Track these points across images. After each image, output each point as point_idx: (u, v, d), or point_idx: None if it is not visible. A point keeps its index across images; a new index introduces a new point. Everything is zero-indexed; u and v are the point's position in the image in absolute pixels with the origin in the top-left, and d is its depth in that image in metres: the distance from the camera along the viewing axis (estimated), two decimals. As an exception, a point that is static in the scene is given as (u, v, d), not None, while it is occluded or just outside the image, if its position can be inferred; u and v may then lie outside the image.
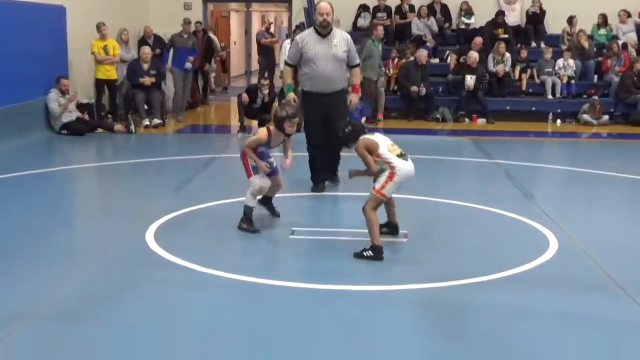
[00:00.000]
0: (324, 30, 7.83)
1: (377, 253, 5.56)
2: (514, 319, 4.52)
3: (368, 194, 5.80)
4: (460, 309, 4.70)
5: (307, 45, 7.86)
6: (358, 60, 8.20)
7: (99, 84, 13.57)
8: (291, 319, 4.48)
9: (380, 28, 14.40)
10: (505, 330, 4.34)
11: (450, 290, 4.98)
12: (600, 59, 15.83)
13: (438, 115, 14.87)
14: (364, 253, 5.58)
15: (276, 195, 6.67)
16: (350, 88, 8.25)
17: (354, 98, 8.14)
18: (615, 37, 16.27)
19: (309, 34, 7.98)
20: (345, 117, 7.71)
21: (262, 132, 6.38)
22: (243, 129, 13.01)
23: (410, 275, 5.31)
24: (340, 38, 7.92)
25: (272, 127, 6.40)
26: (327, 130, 7.78)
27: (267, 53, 17.52)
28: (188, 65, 14.54)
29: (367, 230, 5.63)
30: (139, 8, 16.91)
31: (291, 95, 7.96)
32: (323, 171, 8.17)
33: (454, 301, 4.83)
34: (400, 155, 5.75)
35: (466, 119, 14.78)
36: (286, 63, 8.25)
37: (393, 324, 4.44)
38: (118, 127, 12.63)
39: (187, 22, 15.01)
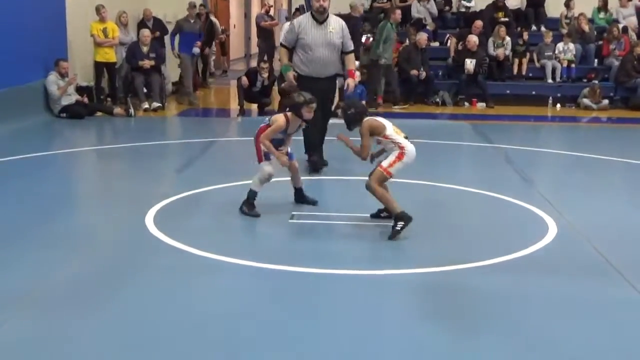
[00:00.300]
0: (320, 17, 7.96)
1: (404, 219, 5.65)
2: (514, 303, 4.54)
3: (366, 178, 5.81)
4: (459, 293, 4.71)
5: (304, 31, 7.98)
6: (352, 47, 8.27)
7: (98, 66, 13.54)
8: (291, 303, 4.50)
9: (398, 12, 14.41)
10: (504, 315, 4.35)
11: (449, 275, 4.99)
12: (600, 43, 15.79)
13: (438, 99, 14.85)
14: (396, 228, 5.65)
15: (273, 179, 6.64)
16: (346, 73, 8.31)
17: (350, 82, 8.19)
18: (616, 21, 16.22)
19: (306, 19, 8.10)
20: (333, 101, 8.12)
21: (280, 120, 6.30)
22: (243, 112, 13.00)
23: (410, 259, 5.33)
24: (336, 24, 8.05)
25: (288, 114, 6.34)
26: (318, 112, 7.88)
27: (266, 36, 17.47)
28: (196, 50, 14.54)
29: (366, 215, 5.64)
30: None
31: (290, 75, 8.14)
32: (319, 149, 8.37)
33: (453, 285, 4.84)
34: (405, 138, 5.79)
35: (466, 103, 14.76)
36: (282, 45, 8.36)
37: (393, 307, 4.46)
38: (117, 110, 12.61)
39: (192, 6, 14.94)
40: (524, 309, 4.45)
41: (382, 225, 5.94)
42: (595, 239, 5.80)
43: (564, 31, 15.98)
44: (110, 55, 13.56)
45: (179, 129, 12.44)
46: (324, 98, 7.94)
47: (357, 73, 12.73)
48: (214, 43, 18.03)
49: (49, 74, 11.88)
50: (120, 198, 7.05)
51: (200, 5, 16.79)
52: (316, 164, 8.23)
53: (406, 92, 14.89)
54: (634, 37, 15.67)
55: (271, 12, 18.53)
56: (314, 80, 8.01)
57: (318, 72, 8.06)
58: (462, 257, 5.31)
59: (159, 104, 13.43)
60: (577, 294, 4.69)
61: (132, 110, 12.56)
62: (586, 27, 15.60)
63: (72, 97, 12.07)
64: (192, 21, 14.67)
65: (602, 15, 16.63)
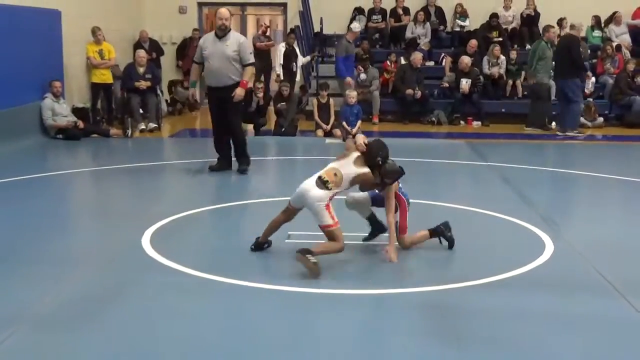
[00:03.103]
0: (221, 33, 8.98)
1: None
2: (511, 322, 4.53)
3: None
4: (456, 312, 4.71)
5: (205, 46, 9.06)
6: (251, 60, 9.09)
7: (95, 88, 13.57)
8: (289, 323, 4.48)
9: (553, 30, 14.45)
10: (502, 333, 4.34)
11: (446, 294, 4.98)
12: (594, 61, 15.87)
13: (433, 118, 14.90)
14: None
15: (268, 199, 6.63)
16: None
17: (238, 91, 8.96)
18: (609, 39, 16.32)
19: (210, 36, 9.17)
20: (239, 110, 9.36)
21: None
22: (238, 132, 13.01)
23: (408, 278, 5.33)
24: (234, 40, 9.01)
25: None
26: (227, 120, 9.18)
27: (263, 57, 17.51)
28: None
29: (364, 234, 5.63)
30: (134, 12, 16.91)
31: (192, 91, 10.08)
32: (224, 151, 9.39)
33: (451, 304, 4.83)
34: None
35: (461, 122, 14.81)
36: (193, 61, 9.42)
37: (393, 327, 4.45)
38: (114, 131, 12.63)
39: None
40: (522, 327, 4.44)
41: (379, 245, 5.94)
42: (593, 257, 5.80)
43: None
44: (106, 77, 13.61)
45: (175, 149, 12.45)
46: (223, 105, 9.06)
47: (352, 94, 12.78)
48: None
49: (44, 97, 11.90)
50: (117, 218, 7.04)
51: (195, 29, 16.90)
52: (216, 168, 9.26)
53: (402, 111, 14.94)
54: (628, 55, 15.76)
55: (268, 33, 18.57)
56: (214, 89, 9.16)
57: (215, 81, 9.08)
58: (460, 275, 5.30)
59: (155, 125, 13.45)
60: (574, 312, 4.69)
61: (129, 131, 12.58)
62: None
63: (67, 118, 12.06)
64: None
65: (596, 33, 16.72)
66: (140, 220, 6.76)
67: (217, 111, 9.24)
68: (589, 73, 13.14)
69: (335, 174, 5.50)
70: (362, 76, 14.75)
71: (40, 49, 12.03)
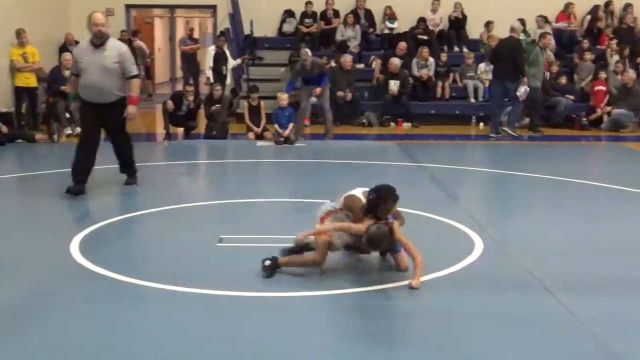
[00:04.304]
0: (97, 41, 7.89)
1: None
2: (442, 321, 4.58)
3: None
4: (387, 313, 4.75)
5: (80, 56, 7.99)
6: (134, 72, 8.12)
7: (19, 92, 13.25)
8: (219, 327, 4.45)
9: (549, 36, 14.60)
10: (433, 333, 4.39)
11: (377, 295, 5.01)
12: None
13: (364, 120, 15.00)
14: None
15: (199, 203, 6.59)
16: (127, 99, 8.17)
17: (130, 109, 8.14)
18: (534, 42, 16.66)
19: (84, 45, 8.11)
20: (123, 128, 8.39)
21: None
22: (169, 136, 12.88)
23: (339, 280, 5.32)
24: (113, 49, 7.95)
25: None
26: (113, 139, 8.47)
27: (189, 60, 17.37)
28: None
29: (294, 237, 5.63)
30: (59, 14, 16.57)
31: (74, 106, 8.43)
32: (83, 172, 8.14)
33: (381, 305, 4.87)
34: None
35: (392, 123, 14.96)
36: (72, 73, 8.31)
37: (322, 329, 4.45)
38: (39, 136, 12.35)
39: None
40: (453, 326, 4.50)
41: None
42: (521, 255, 5.92)
43: (483, 51, 16.37)
44: (31, 80, 13.29)
45: (103, 154, 12.18)
46: (104, 123, 8.14)
47: (284, 96, 12.76)
48: (140, 67, 17.89)
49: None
50: (44, 226, 6.88)
51: (123, 31, 16.66)
52: (74, 191, 7.92)
53: (333, 113, 14.95)
54: (552, 57, 16.12)
55: (194, 36, 18.45)
56: (92, 105, 7.97)
57: (93, 97, 7.95)
58: (390, 276, 5.34)
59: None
60: (504, 310, 4.77)
61: (55, 136, 12.31)
62: (494, 44, 16.00)
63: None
64: None
65: (521, 36, 17.05)
66: (68, 227, 6.63)
67: (92, 128, 8.15)
68: (525, 79, 13.44)
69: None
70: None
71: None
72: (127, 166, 8.68)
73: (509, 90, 13.44)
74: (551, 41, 14.75)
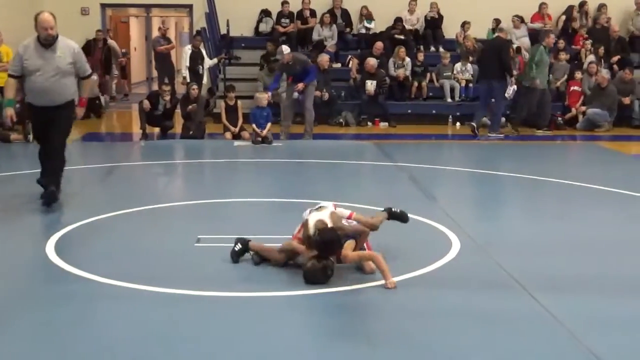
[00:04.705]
0: (47, 42, 7.28)
1: None
2: (419, 320, 4.59)
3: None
4: (365, 312, 4.76)
5: (28, 56, 7.30)
6: (89, 71, 7.73)
7: (-7, 91, 13.10)
8: (196, 327, 4.42)
9: (552, 36, 14.61)
10: (410, 331, 4.40)
11: (354, 294, 5.02)
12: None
13: (341, 120, 15.01)
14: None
15: (176, 203, 6.56)
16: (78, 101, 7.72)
17: (78, 111, 7.71)
18: (510, 42, 16.77)
19: (33, 43, 7.34)
20: (68, 133, 7.58)
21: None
22: (145, 136, 12.81)
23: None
24: (66, 49, 7.38)
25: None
26: (52, 142, 7.48)
27: (163, 60, 17.28)
28: None
29: (272, 237, 5.62)
30: (33, 14, 16.40)
31: (9, 112, 7.59)
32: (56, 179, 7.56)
33: (359, 304, 4.89)
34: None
35: (369, 123, 15.00)
36: (9, 75, 7.52)
37: (299, 328, 4.45)
38: (14, 136, 12.23)
39: None
40: (430, 325, 4.52)
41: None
42: (498, 253, 5.95)
43: (459, 51, 16.46)
44: (4, 80, 13.14)
45: (80, 154, 12.13)
46: (53, 129, 7.44)
47: (262, 96, 12.74)
48: (114, 66, 17.81)
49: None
50: (19, 226, 6.81)
51: (98, 30, 16.58)
52: (52, 195, 7.37)
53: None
54: (527, 56, 16.22)
55: (167, 35, 18.35)
56: (39, 109, 7.43)
57: (45, 101, 7.36)
58: (367, 275, 5.35)
59: (59, 129, 13.06)
60: (481, 308, 4.79)
61: (30, 136, 12.19)
62: (469, 45, 16.09)
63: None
64: None
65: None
66: (44, 227, 6.58)
67: (44, 131, 7.54)
68: (513, 79, 13.53)
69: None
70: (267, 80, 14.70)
71: None
72: (54, 174, 7.57)
73: (495, 90, 13.51)
74: (553, 40, 14.82)
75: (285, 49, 12.89)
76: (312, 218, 5.45)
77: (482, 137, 13.45)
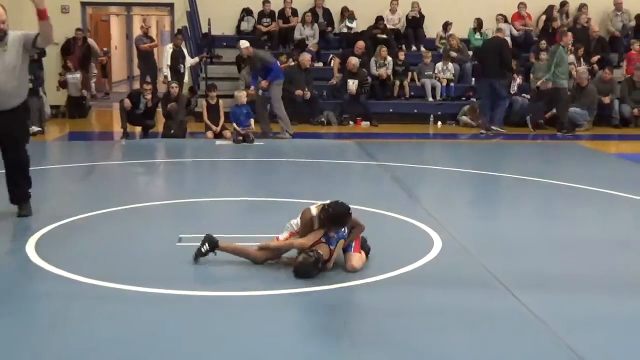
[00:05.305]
0: None
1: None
2: (401, 319, 4.60)
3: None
4: (347, 310, 4.78)
5: None
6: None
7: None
8: (181, 326, 4.41)
9: (570, 34, 14.59)
10: (393, 330, 4.40)
11: (336, 293, 5.03)
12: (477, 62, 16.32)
13: (323, 119, 15.01)
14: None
15: (158, 202, 6.53)
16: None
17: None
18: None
19: None
20: (26, 141, 6.93)
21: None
22: (126, 135, 12.74)
23: (294, 279, 5.30)
24: (15, 40, 6.60)
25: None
26: (13, 150, 6.82)
27: (146, 58, 17.21)
28: None
29: (254, 235, 5.61)
30: (12, 12, 16.21)
31: None
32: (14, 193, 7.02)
33: (341, 303, 4.90)
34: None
35: (350, 122, 15.01)
36: None
37: (282, 327, 4.45)
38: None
39: None
40: (413, 323, 4.52)
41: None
42: (480, 252, 5.97)
43: (441, 51, 16.51)
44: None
45: (60, 153, 12.07)
46: (7, 136, 6.74)
47: (241, 94, 12.71)
48: (93, 65, 17.71)
49: None
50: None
51: (77, 29, 16.47)
52: (27, 215, 6.90)
53: (291, 112, 14.96)
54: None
55: (150, 34, 18.28)
56: None
57: None
58: (349, 274, 5.35)
59: (39, 128, 12.99)
60: (462, 307, 4.80)
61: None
62: (454, 43, 16.16)
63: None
64: None
65: (477, 35, 17.22)
66: (23, 227, 6.52)
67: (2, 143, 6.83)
68: (515, 75, 13.65)
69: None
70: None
71: None
72: (23, 193, 6.99)
73: (495, 88, 13.66)
74: (570, 39, 14.90)
75: (243, 42, 12.95)
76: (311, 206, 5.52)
77: (484, 133, 13.66)
